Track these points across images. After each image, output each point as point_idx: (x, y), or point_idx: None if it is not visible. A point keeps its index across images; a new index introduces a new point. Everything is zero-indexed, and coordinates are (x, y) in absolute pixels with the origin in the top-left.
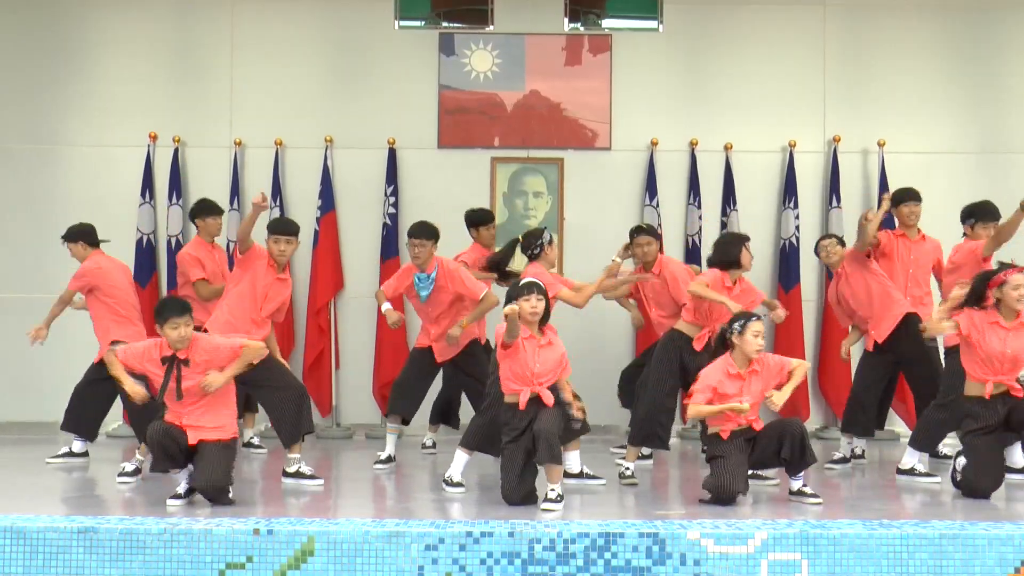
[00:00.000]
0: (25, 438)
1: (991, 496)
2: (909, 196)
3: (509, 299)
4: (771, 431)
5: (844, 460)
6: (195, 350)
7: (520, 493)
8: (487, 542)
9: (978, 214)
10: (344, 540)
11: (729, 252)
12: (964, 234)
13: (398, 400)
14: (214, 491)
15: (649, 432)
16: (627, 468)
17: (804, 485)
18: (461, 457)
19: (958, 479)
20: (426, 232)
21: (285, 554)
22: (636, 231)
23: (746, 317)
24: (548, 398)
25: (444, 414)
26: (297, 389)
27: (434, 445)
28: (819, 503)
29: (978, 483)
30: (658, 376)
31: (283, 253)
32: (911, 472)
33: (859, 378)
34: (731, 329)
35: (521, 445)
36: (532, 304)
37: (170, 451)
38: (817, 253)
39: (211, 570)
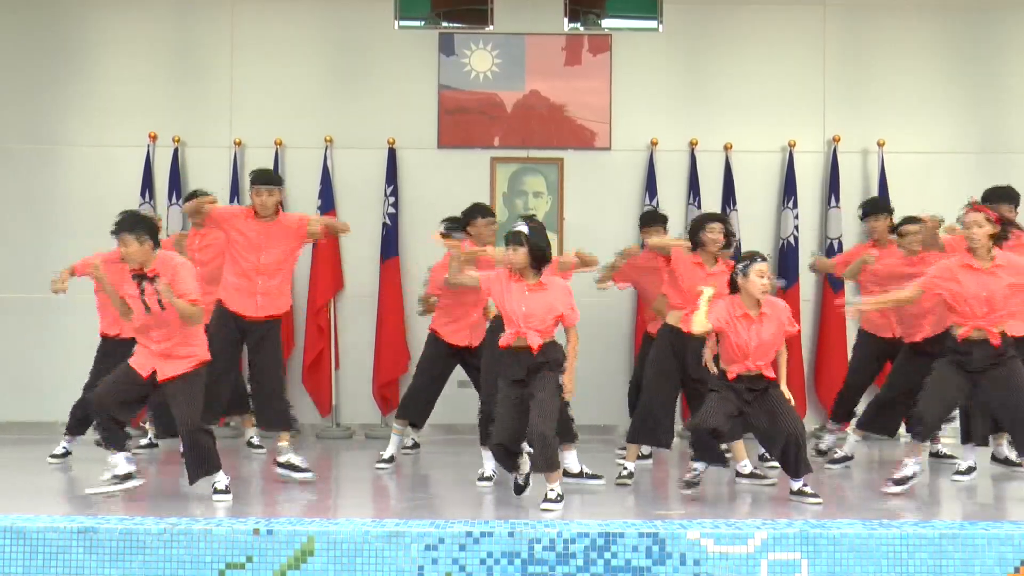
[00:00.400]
0: (25, 438)
1: (927, 429)
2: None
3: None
4: (772, 424)
5: (847, 459)
6: (162, 268)
7: (507, 436)
8: (487, 542)
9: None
10: (344, 540)
11: (694, 233)
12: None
13: (410, 406)
14: (191, 433)
15: (648, 429)
16: (624, 468)
17: (804, 485)
18: (487, 453)
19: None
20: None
21: (285, 554)
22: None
23: (750, 258)
24: (534, 341)
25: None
26: (279, 380)
27: (415, 445)
28: (819, 503)
29: (925, 409)
30: (655, 372)
31: (264, 204)
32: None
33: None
34: (736, 271)
35: (516, 405)
36: (513, 252)
37: (111, 430)
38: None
39: (211, 570)
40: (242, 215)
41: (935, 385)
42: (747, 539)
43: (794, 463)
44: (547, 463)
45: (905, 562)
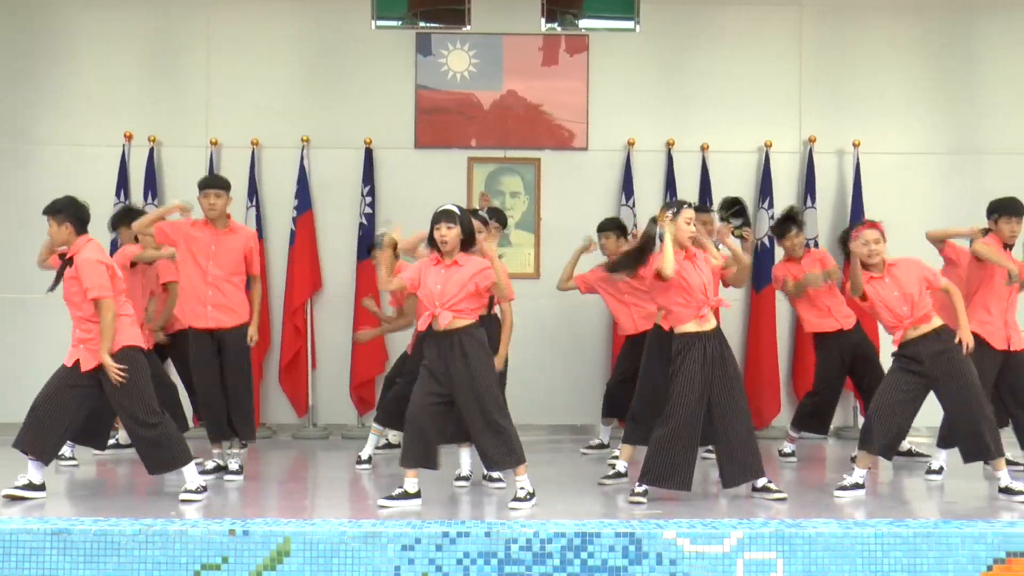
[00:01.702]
0: (5, 439)
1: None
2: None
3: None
4: (725, 424)
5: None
6: (78, 256)
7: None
8: (463, 542)
9: (1002, 209)
10: (320, 540)
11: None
12: (988, 229)
13: (395, 413)
14: (129, 429)
15: (646, 429)
16: (613, 468)
17: (769, 481)
18: (464, 452)
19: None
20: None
21: (261, 555)
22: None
23: (679, 205)
24: (445, 320)
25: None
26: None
27: (389, 445)
28: (783, 498)
29: (878, 429)
30: (649, 372)
31: (212, 207)
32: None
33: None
34: (665, 216)
35: (437, 411)
36: (447, 229)
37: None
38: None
39: (186, 571)
40: (190, 224)
41: (887, 396)
42: (723, 539)
43: (740, 471)
44: (512, 456)
45: (880, 561)
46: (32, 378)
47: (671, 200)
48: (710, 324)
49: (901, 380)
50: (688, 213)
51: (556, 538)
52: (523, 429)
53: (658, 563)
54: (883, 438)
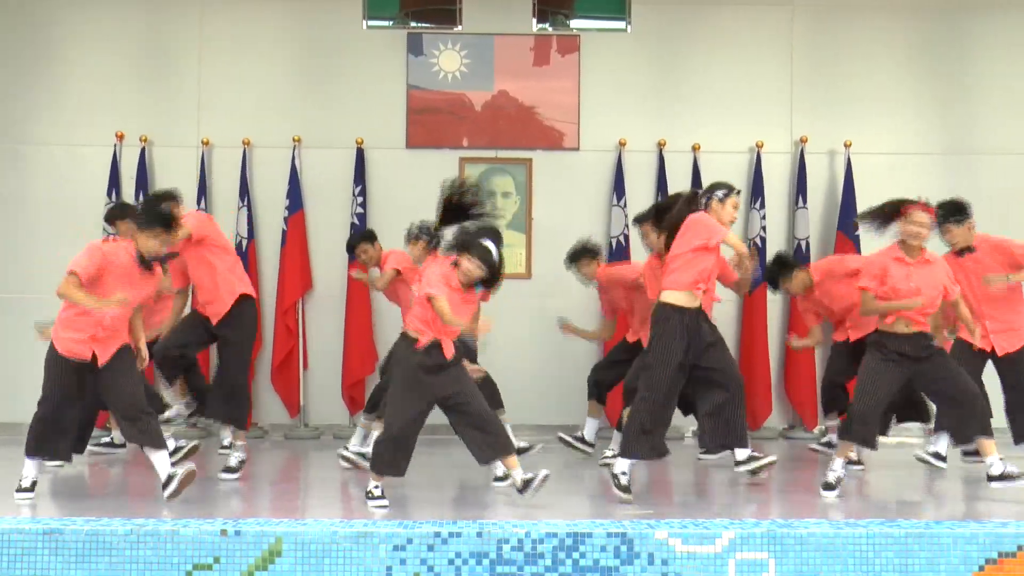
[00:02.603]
0: (5, 439)
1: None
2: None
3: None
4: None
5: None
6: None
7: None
8: (455, 542)
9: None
10: (312, 540)
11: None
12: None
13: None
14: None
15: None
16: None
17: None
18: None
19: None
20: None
21: (252, 555)
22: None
23: (728, 188)
24: (448, 348)
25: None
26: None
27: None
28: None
29: (861, 419)
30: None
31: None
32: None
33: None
34: (712, 195)
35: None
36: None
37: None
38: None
39: (178, 571)
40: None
41: (869, 384)
42: (715, 539)
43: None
44: (502, 447)
45: (872, 561)
46: (31, 378)
47: (720, 182)
48: (697, 303)
49: (885, 372)
50: (736, 199)
51: (548, 538)
52: (514, 429)
53: (650, 563)
54: (868, 430)
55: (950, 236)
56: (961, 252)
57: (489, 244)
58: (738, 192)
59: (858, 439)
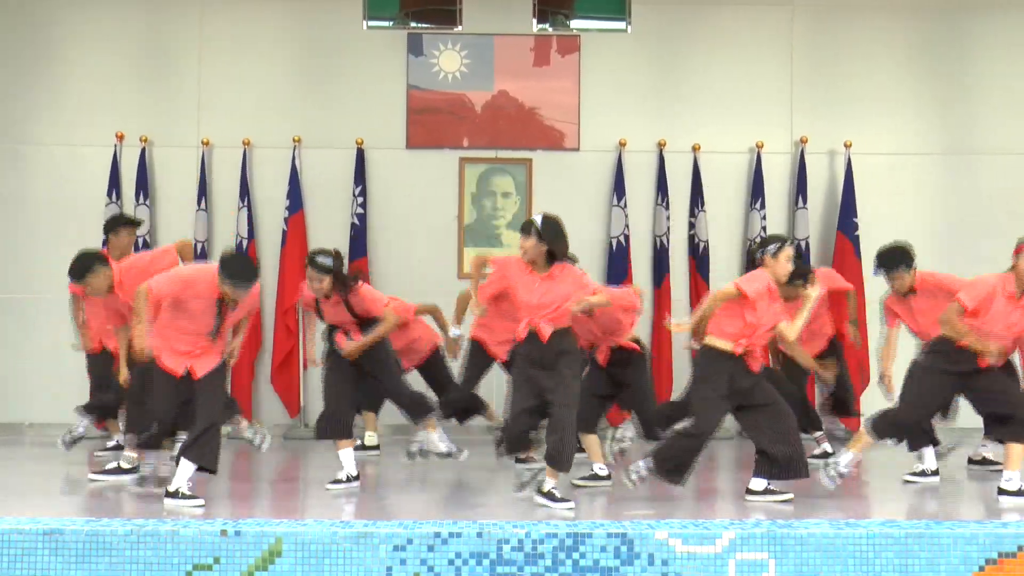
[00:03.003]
0: (4, 439)
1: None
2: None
3: None
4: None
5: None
6: None
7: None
8: (455, 543)
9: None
10: (312, 541)
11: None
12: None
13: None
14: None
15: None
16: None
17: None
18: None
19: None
20: None
21: (253, 555)
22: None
23: (781, 241)
24: (545, 331)
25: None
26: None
27: (376, 447)
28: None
29: (904, 413)
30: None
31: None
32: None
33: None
34: (765, 250)
35: (533, 390)
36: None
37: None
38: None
39: (178, 571)
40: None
41: (919, 387)
42: (715, 539)
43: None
44: (562, 457)
45: (872, 561)
46: (30, 378)
47: (769, 235)
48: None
49: (940, 383)
50: (789, 251)
51: (548, 539)
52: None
53: (650, 563)
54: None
55: (901, 282)
56: (906, 294)
57: None
58: (791, 243)
59: (914, 446)
